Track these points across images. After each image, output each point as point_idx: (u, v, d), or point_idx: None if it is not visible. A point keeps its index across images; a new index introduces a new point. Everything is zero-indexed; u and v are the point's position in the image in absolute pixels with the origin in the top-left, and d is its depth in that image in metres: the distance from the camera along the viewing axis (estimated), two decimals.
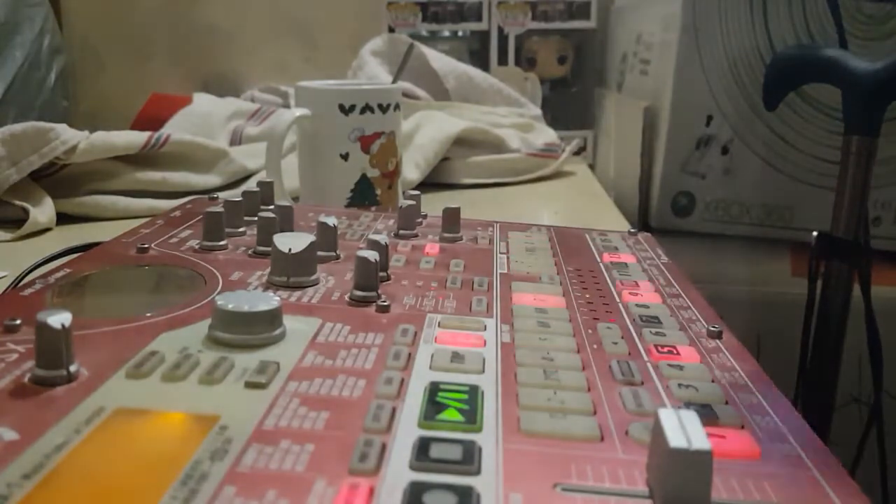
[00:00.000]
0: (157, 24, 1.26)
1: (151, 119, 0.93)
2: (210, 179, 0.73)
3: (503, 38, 1.19)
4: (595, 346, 0.32)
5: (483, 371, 0.29)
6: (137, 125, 0.95)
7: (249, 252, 0.42)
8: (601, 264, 0.44)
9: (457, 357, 0.29)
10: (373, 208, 0.61)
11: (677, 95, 0.89)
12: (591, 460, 0.23)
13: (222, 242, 0.43)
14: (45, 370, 0.25)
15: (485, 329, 0.33)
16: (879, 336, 0.66)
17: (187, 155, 0.72)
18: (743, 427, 0.26)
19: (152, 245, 0.42)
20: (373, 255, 0.36)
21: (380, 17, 1.17)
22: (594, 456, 0.23)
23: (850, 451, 0.72)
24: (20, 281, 0.43)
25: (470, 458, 0.22)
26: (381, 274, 0.38)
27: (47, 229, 0.62)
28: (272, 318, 0.30)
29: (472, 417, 0.25)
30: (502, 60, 1.19)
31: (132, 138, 0.69)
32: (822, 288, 0.73)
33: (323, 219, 0.42)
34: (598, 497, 0.21)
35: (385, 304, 0.34)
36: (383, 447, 0.23)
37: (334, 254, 0.42)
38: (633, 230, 0.53)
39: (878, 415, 0.66)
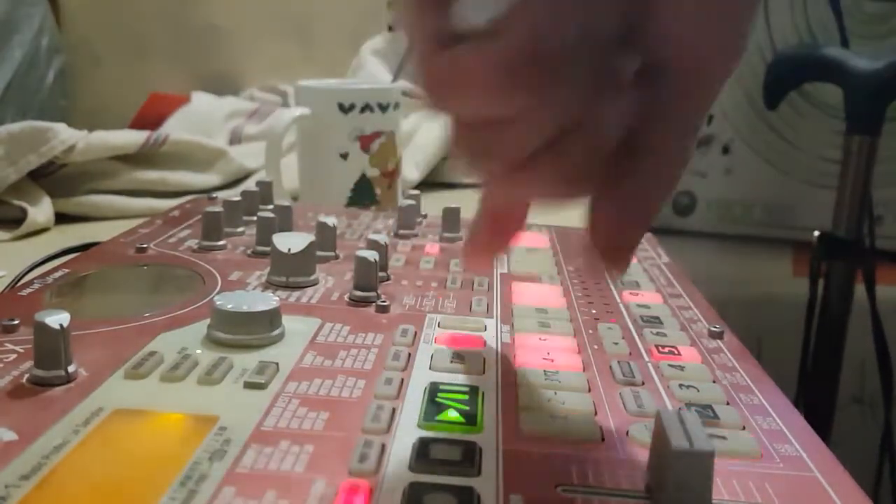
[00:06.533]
0: (155, 24, 1.25)
1: (150, 118, 0.93)
2: (209, 179, 0.73)
3: None
4: (596, 347, 0.32)
5: (483, 372, 0.29)
6: (136, 124, 0.94)
7: (248, 252, 0.42)
8: None
9: (457, 357, 0.29)
10: (372, 208, 0.61)
11: None
12: (592, 461, 0.23)
13: (221, 242, 0.43)
14: (44, 370, 0.25)
15: (485, 329, 0.33)
16: (885, 336, 0.66)
17: (186, 154, 0.72)
18: (744, 428, 0.26)
19: (151, 245, 0.42)
20: (372, 255, 0.35)
21: (380, 16, 1.17)
22: (595, 457, 0.23)
23: (851, 451, 0.72)
24: (18, 281, 0.43)
25: (470, 460, 0.22)
26: (381, 274, 0.38)
27: (46, 229, 0.62)
28: (271, 319, 0.30)
29: (472, 418, 0.25)
30: None
31: (131, 138, 0.69)
32: (823, 288, 0.73)
33: (322, 218, 0.42)
34: (599, 498, 0.21)
35: (385, 304, 0.34)
36: (383, 448, 0.23)
37: (334, 254, 0.42)
38: None
39: (887, 418, 0.66)
